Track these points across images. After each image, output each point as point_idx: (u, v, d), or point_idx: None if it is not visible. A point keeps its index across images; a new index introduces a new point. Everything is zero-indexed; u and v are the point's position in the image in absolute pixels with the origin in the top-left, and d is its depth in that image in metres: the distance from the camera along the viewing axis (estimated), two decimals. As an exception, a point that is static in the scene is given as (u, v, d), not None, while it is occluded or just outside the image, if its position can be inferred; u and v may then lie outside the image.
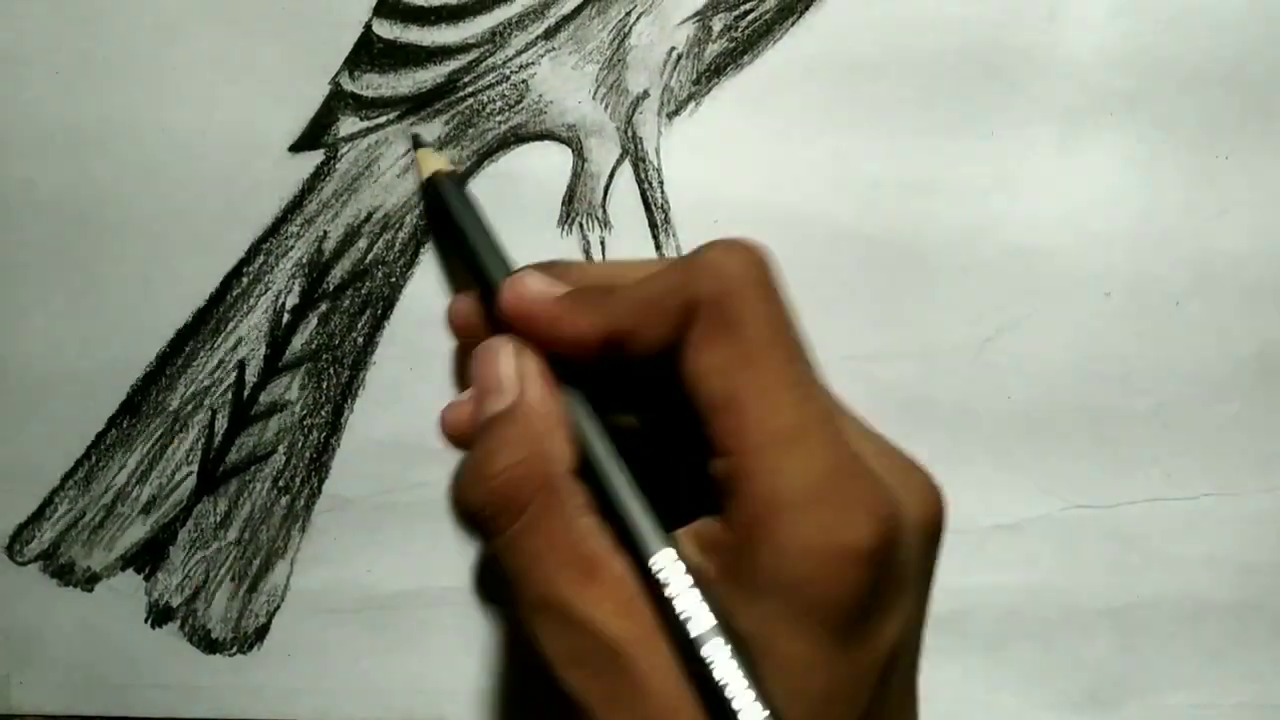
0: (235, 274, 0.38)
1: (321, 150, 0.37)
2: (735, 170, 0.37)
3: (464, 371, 0.36)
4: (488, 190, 0.37)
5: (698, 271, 0.26)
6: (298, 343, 0.38)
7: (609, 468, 0.26)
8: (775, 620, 0.23)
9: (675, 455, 0.27)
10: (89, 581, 0.40)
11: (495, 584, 0.27)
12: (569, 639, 0.24)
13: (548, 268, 0.29)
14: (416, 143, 0.36)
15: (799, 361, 0.25)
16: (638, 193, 0.37)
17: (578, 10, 0.36)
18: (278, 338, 0.38)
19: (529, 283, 0.28)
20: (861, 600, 0.23)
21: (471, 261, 0.32)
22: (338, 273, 0.38)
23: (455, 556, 0.39)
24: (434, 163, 0.35)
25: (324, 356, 0.38)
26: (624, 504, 0.25)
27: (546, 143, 0.37)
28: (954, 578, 0.39)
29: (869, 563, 0.23)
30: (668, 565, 0.24)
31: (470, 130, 0.37)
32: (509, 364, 0.27)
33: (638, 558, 0.25)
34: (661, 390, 0.26)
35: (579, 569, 0.24)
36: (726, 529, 0.24)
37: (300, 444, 0.39)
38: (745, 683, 0.23)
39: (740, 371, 0.24)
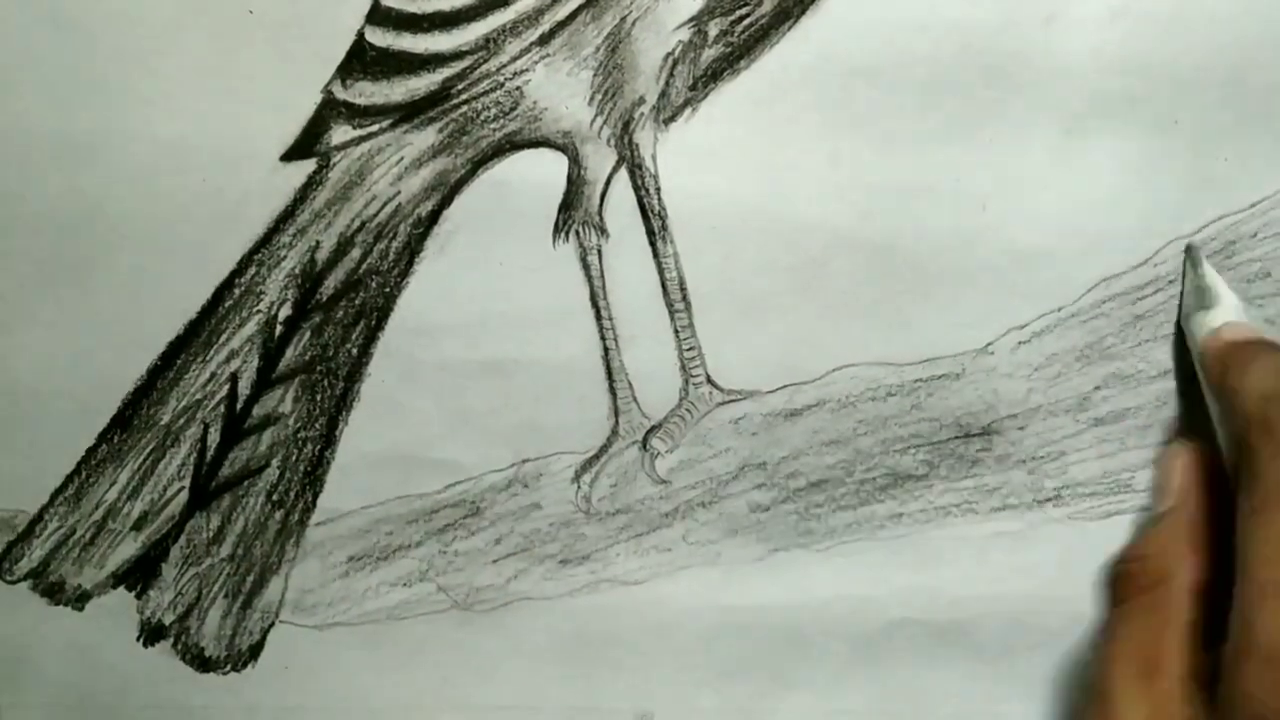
0: (227, 285, 0.37)
1: (314, 159, 0.36)
2: (733, 176, 0.36)
3: None
4: (482, 198, 0.37)
5: None
6: (291, 354, 0.38)
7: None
8: None
9: None
10: (79, 600, 0.39)
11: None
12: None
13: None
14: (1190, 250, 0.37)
15: None
16: (634, 200, 0.37)
17: (572, 16, 0.36)
18: (270, 350, 0.38)
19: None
20: None
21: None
22: (331, 283, 0.37)
23: (453, 572, 0.38)
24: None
25: (318, 368, 0.38)
26: None
27: (542, 150, 0.37)
28: (957, 587, 0.39)
29: None
30: None
31: (464, 138, 0.36)
32: (1176, 474, 0.31)
33: None
34: None
35: (1141, 665, 0.26)
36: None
37: (294, 457, 0.38)
38: None
39: None
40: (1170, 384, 0.38)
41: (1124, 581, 0.29)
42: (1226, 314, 0.35)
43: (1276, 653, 0.23)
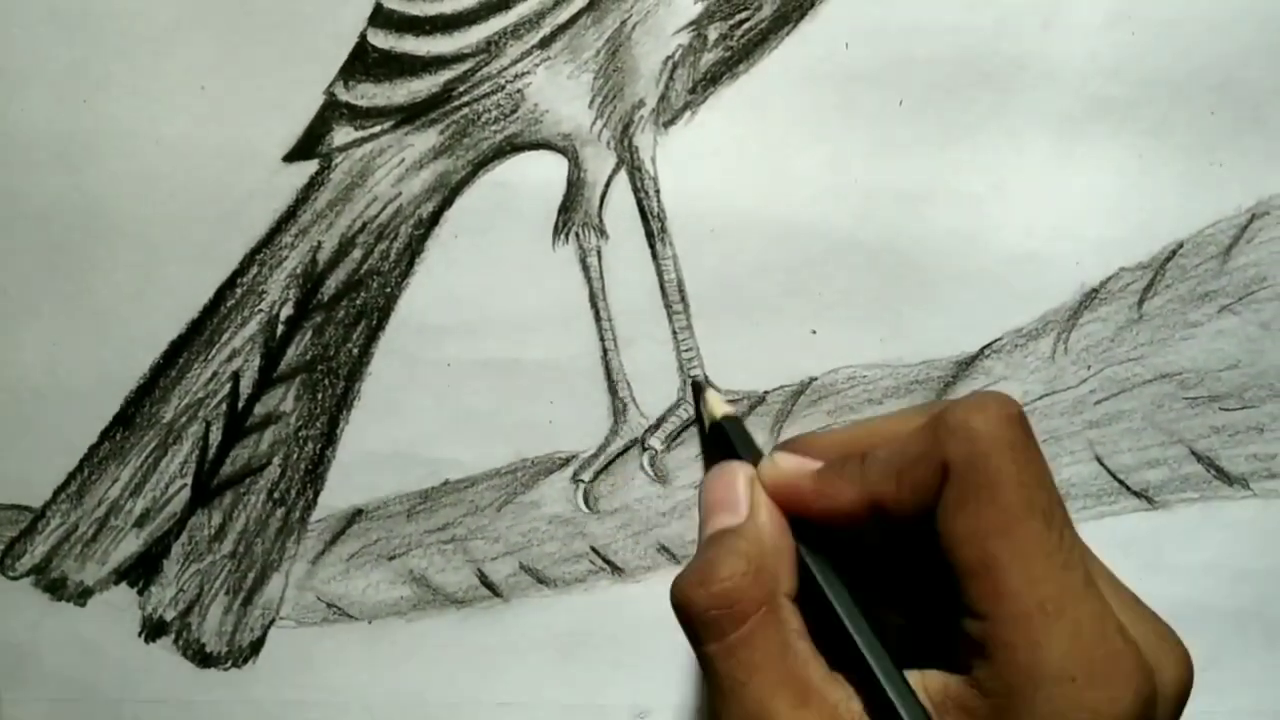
0: (229, 285, 0.37)
1: (316, 160, 0.37)
2: (732, 179, 0.37)
3: None
4: (483, 200, 0.37)
5: (947, 434, 0.25)
6: (292, 354, 0.38)
7: (839, 601, 0.27)
8: None
9: (910, 601, 0.28)
10: (82, 596, 0.39)
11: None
12: None
13: (794, 444, 0.30)
14: (698, 389, 0.37)
15: (1056, 524, 0.25)
16: (634, 202, 0.37)
17: (573, 20, 0.36)
18: (272, 349, 0.38)
19: (783, 464, 0.29)
20: None
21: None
22: (332, 283, 0.37)
23: (453, 570, 0.39)
24: (720, 408, 0.35)
25: (319, 367, 0.38)
26: (859, 640, 0.26)
27: (542, 152, 0.37)
28: (952, 586, 0.39)
29: None
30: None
31: (465, 139, 0.37)
32: (744, 485, 0.29)
33: (873, 692, 0.25)
34: (915, 545, 0.26)
35: (794, 691, 0.25)
36: (978, 694, 0.24)
37: (295, 455, 0.38)
38: None
39: (997, 538, 0.24)
40: (1168, 387, 0.38)
41: (727, 604, 0.26)
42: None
43: (1070, 671, 0.23)
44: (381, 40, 0.36)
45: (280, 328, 0.38)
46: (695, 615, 0.26)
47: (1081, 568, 0.25)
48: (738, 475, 0.29)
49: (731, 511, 0.28)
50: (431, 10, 0.36)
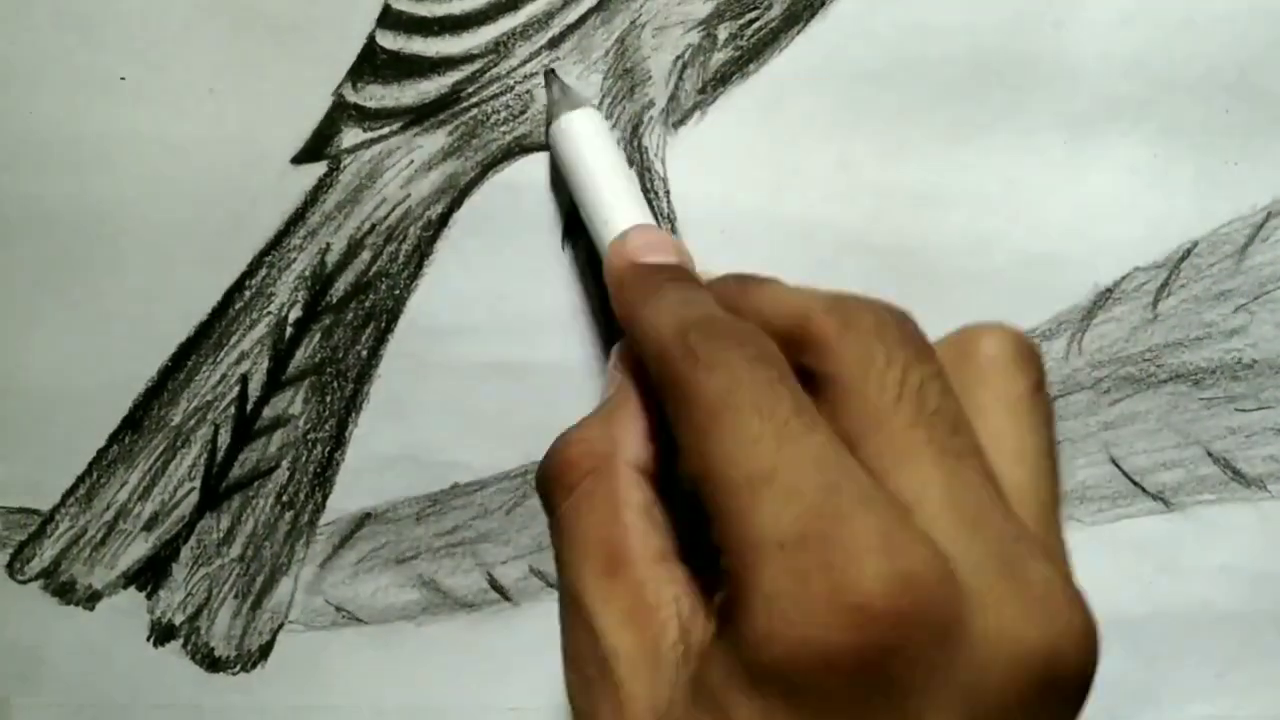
0: (237, 287, 0.37)
1: (324, 162, 0.36)
2: (742, 180, 0.36)
3: None
4: (492, 201, 0.37)
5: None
6: (301, 356, 0.38)
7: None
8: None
9: None
10: (90, 600, 0.39)
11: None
12: (574, 635, 0.23)
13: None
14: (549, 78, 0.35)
15: (788, 388, 0.22)
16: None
17: (582, 20, 0.36)
18: (280, 351, 0.38)
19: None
20: (849, 683, 0.19)
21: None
22: (341, 285, 0.37)
23: (462, 574, 0.38)
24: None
25: (327, 370, 0.38)
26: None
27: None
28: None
29: (874, 624, 0.19)
30: None
31: (474, 141, 0.37)
32: (615, 362, 0.27)
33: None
34: None
35: (603, 561, 0.23)
36: (720, 589, 0.21)
37: (304, 459, 0.38)
38: None
39: (718, 415, 0.22)
40: (1183, 387, 0.38)
41: (563, 471, 0.24)
42: (628, 213, 0.30)
43: (784, 539, 0.20)
44: (390, 41, 0.36)
45: (289, 330, 0.38)
46: (539, 489, 0.25)
47: (821, 440, 0.21)
48: (616, 353, 0.28)
49: (604, 392, 0.27)
50: (440, 11, 0.36)
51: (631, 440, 0.25)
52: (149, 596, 0.39)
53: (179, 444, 0.38)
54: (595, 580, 0.23)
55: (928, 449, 0.21)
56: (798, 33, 0.36)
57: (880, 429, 0.21)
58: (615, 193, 0.30)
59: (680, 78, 0.36)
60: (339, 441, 0.38)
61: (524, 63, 0.36)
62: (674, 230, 0.37)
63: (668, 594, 0.22)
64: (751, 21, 0.36)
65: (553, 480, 0.25)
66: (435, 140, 0.37)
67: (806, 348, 0.23)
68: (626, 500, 0.24)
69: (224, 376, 0.38)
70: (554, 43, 0.36)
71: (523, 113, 0.36)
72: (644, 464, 0.25)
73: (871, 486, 0.20)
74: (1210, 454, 0.38)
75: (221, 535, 0.39)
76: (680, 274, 0.29)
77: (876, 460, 0.21)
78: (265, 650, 0.39)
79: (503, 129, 0.36)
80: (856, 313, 0.23)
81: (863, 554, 0.19)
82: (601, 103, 0.36)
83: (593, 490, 0.24)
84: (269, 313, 0.37)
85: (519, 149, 0.37)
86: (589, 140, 0.30)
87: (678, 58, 0.36)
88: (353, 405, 0.38)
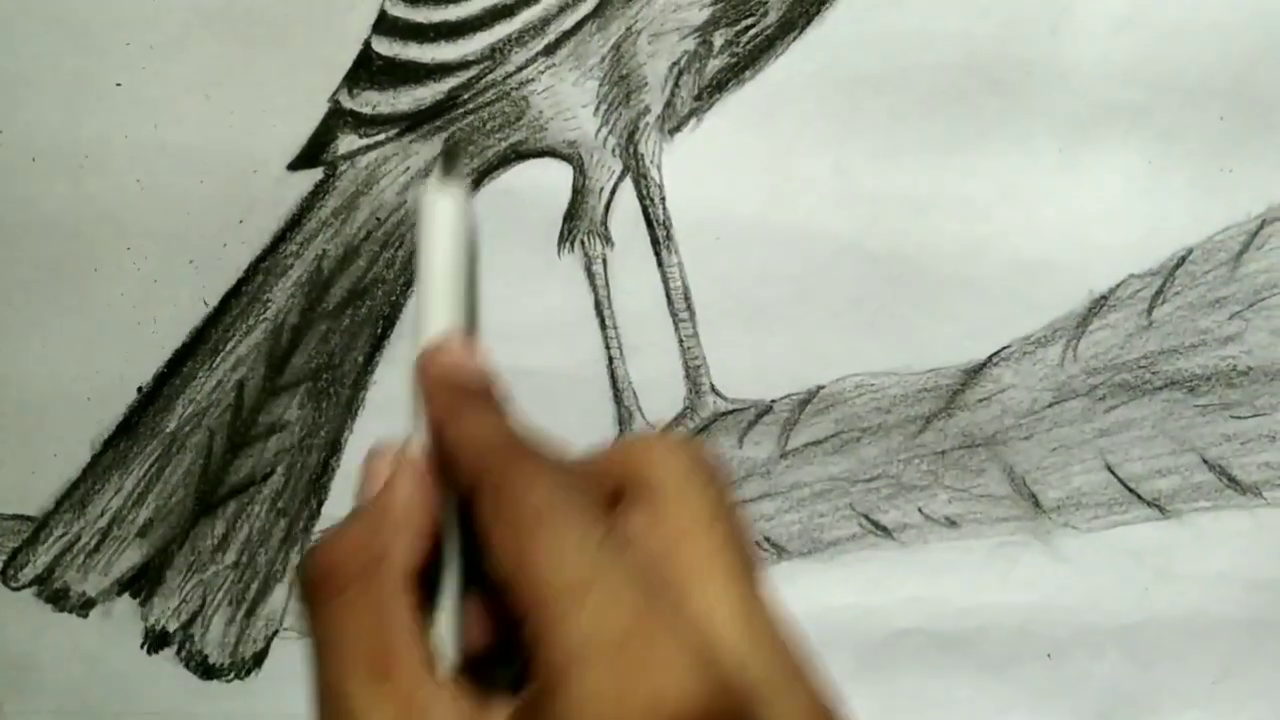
0: (234, 293, 0.37)
1: (320, 168, 0.37)
2: (737, 186, 0.37)
3: None
4: (488, 208, 0.37)
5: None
6: (297, 362, 0.38)
7: (448, 579, 0.25)
8: None
9: None
10: (84, 607, 0.39)
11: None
12: None
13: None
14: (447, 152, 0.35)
15: (591, 514, 0.23)
16: (639, 209, 0.37)
17: (578, 26, 0.36)
18: (277, 357, 0.38)
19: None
20: None
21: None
22: (337, 291, 0.37)
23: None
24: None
25: (323, 376, 0.38)
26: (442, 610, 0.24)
27: (547, 159, 0.37)
28: (962, 596, 0.38)
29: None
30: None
31: (470, 147, 0.37)
32: (378, 464, 0.27)
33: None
34: None
35: (371, 668, 0.23)
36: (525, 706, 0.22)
37: (299, 465, 0.38)
38: None
39: (530, 530, 0.23)
40: (1178, 394, 0.38)
41: (328, 575, 0.25)
42: (439, 317, 0.27)
43: (607, 642, 0.21)
44: (386, 48, 0.36)
45: (285, 336, 0.38)
46: (301, 587, 0.25)
47: (622, 558, 0.23)
48: (388, 451, 0.27)
49: (374, 487, 0.26)
50: (436, 17, 0.36)
51: (402, 544, 0.25)
52: (143, 603, 0.39)
53: (174, 450, 0.38)
54: (362, 686, 0.23)
55: (722, 569, 0.23)
56: (793, 40, 0.36)
57: (688, 545, 0.23)
58: (444, 293, 0.29)
59: (676, 84, 0.36)
60: (334, 447, 0.38)
61: (520, 69, 0.36)
62: (669, 236, 0.37)
63: (440, 700, 0.23)
64: (748, 28, 0.36)
65: (316, 583, 0.24)
66: (431, 147, 0.37)
67: (625, 472, 0.24)
68: (395, 608, 0.24)
69: (220, 383, 0.38)
70: (550, 49, 0.36)
71: (518, 119, 0.36)
72: (415, 567, 0.25)
73: (681, 599, 0.22)
74: (1206, 461, 0.38)
75: (216, 542, 0.39)
76: (494, 395, 0.29)
77: (685, 572, 0.23)
78: (259, 658, 0.39)
79: (498, 135, 0.37)
80: (664, 443, 0.25)
81: (679, 661, 0.21)
82: (597, 109, 0.36)
83: (359, 597, 0.24)
84: (265, 319, 0.37)
85: (514, 155, 0.37)
86: (442, 227, 0.29)
87: (674, 64, 0.36)
88: (348, 411, 0.38)
